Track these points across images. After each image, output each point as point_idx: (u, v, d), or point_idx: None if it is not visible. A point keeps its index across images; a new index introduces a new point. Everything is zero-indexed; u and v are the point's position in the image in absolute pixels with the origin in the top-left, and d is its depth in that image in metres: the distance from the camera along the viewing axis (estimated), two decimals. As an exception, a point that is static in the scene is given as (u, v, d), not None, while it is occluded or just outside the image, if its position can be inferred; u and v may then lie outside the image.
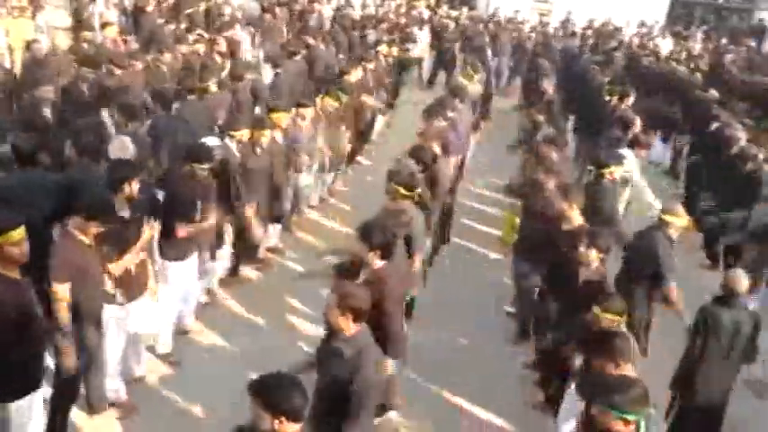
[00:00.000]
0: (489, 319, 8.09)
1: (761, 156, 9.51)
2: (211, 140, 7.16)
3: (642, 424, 4.00)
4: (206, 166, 6.43)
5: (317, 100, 9.68)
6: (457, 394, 6.77)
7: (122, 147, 6.57)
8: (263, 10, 17.77)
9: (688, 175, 11.84)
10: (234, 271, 8.10)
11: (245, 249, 8.11)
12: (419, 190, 6.71)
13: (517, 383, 6.97)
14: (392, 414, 5.98)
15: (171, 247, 6.43)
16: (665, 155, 13.90)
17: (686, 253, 8.87)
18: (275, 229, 8.79)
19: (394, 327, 5.26)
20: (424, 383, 6.78)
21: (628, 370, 4.55)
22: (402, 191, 6.42)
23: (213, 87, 9.75)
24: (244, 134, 7.52)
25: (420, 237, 6.53)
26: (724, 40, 24.24)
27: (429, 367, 6.90)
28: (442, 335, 7.63)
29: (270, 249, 8.83)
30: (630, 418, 3.93)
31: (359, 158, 12.31)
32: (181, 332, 6.98)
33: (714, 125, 10.94)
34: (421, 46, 18.40)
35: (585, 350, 4.81)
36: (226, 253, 7.72)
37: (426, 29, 19.79)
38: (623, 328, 5.19)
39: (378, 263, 5.23)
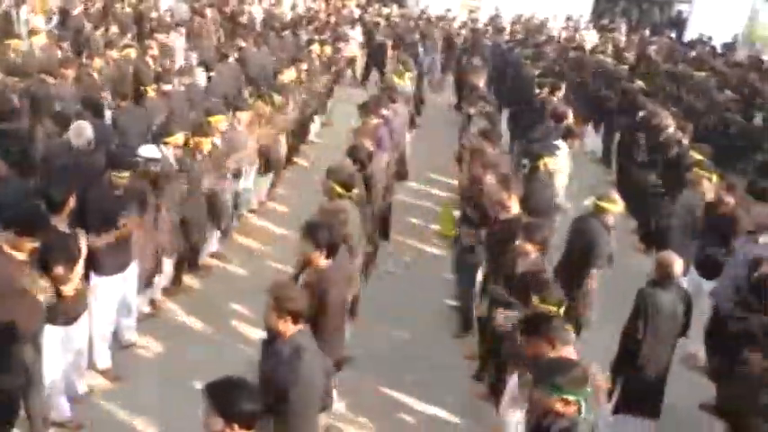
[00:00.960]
0: (432, 313, 8.14)
1: (685, 141, 9.82)
2: (147, 149, 6.99)
3: (583, 404, 4.06)
4: (126, 174, 6.20)
5: (252, 102, 9.58)
6: (401, 390, 6.79)
7: (79, 132, 6.33)
8: (194, 12, 17.52)
9: (619, 162, 12.14)
10: (176, 280, 7.94)
11: (187, 257, 7.97)
12: (356, 190, 6.71)
13: (461, 376, 7.02)
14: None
15: (102, 259, 6.15)
16: (598, 144, 14.19)
17: (620, 237, 9.09)
18: (216, 235, 8.67)
19: (334, 326, 5.26)
20: (367, 382, 6.77)
21: (567, 353, 4.63)
22: (339, 189, 6.41)
23: (151, 93, 9.56)
24: (178, 139, 7.36)
25: (357, 235, 6.53)
26: (647, 32, 24.89)
27: (372, 365, 6.91)
28: (385, 332, 7.67)
29: (212, 256, 8.71)
30: (571, 398, 4.00)
31: (296, 160, 12.21)
32: (124, 346, 6.82)
33: (641, 113, 11.22)
34: (353, 45, 18.38)
35: (523, 334, 4.87)
36: (167, 262, 7.57)
37: (357, 27, 19.79)
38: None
39: (323, 262, 5.21)
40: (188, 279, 8.16)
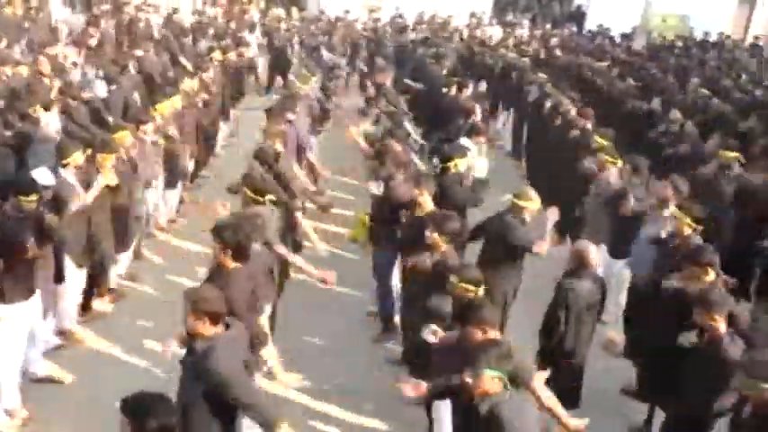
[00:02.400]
0: (351, 318, 8.16)
1: (588, 125, 10.15)
2: (38, 173, 6.74)
3: (505, 379, 4.21)
4: (33, 198, 5.99)
5: (155, 114, 9.37)
6: (321, 399, 6.79)
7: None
8: (89, 23, 17.01)
9: (528, 156, 12.47)
10: (86, 306, 7.67)
11: (95, 281, 7.72)
12: (270, 196, 6.67)
13: (384, 380, 7.02)
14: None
15: (5, 285, 5.87)
16: (506, 138, 14.50)
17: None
18: (125, 255, 8.44)
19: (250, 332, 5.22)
20: (287, 392, 6.74)
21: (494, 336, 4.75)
22: (251, 195, 6.38)
23: (42, 111, 9.19)
24: (77, 159, 7.03)
25: (275, 240, 6.49)
26: (548, 26, 25.56)
27: (295, 374, 6.83)
28: (304, 340, 7.65)
29: (122, 277, 8.47)
30: (496, 374, 4.16)
31: (204, 173, 12.00)
32: (33, 380, 6.52)
33: (547, 104, 11.55)
34: (253, 50, 18.20)
35: (455, 320, 4.96)
36: (77, 290, 7.32)
37: (257, 32, 19.61)
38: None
39: (230, 264, 5.19)
40: (98, 304, 7.90)
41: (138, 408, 3.45)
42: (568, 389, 6.22)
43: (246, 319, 5.28)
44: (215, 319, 4.36)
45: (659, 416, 6.37)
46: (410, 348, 6.66)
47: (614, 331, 7.91)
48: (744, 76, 17.64)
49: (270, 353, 5.70)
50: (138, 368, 6.97)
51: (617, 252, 8.22)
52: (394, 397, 6.72)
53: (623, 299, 7.96)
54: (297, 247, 7.88)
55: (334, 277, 6.50)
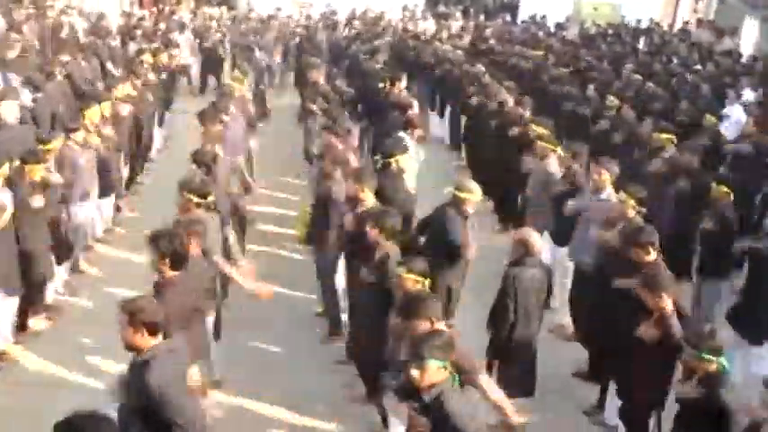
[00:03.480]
0: (297, 320, 8.12)
1: (527, 114, 10.29)
2: None
3: (448, 369, 4.24)
4: None
5: (84, 121, 9.13)
6: (272, 402, 6.74)
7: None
8: (10, 28, 16.50)
9: (467, 146, 12.59)
10: (22, 325, 7.43)
11: (31, 298, 7.47)
12: (212, 197, 6.61)
13: (333, 382, 7.03)
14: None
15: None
16: (445, 130, 14.59)
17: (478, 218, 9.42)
18: (62, 269, 8.23)
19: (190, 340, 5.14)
20: (236, 398, 6.70)
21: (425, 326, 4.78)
22: (195, 199, 6.31)
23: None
24: (3, 171, 6.79)
25: (215, 249, 6.41)
26: (481, 17, 25.80)
27: (239, 379, 6.83)
28: (250, 344, 7.60)
29: (59, 292, 8.26)
30: (440, 365, 4.20)
31: (139, 179, 11.79)
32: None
33: (482, 94, 11.68)
34: (184, 51, 17.92)
35: (403, 317, 4.97)
36: (10, 308, 7.11)
37: (188, 32, 19.32)
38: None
39: (168, 273, 5.14)
40: (34, 322, 7.62)
41: (71, 431, 3.33)
42: (522, 377, 6.31)
43: (189, 328, 5.23)
44: (153, 330, 4.29)
45: (611, 396, 6.52)
46: (357, 347, 6.66)
47: (563, 316, 8.04)
48: (675, 61, 18.09)
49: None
50: (80, 386, 6.79)
51: (560, 238, 8.36)
52: (346, 397, 6.78)
53: (569, 284, 8.07)
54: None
55: (270, 292, 6.43)
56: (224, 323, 6.90)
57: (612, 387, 6.50)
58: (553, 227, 8.43)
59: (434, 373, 4.20)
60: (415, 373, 4.23)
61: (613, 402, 6.50)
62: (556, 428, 6.65)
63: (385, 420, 6.03)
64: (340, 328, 7.66)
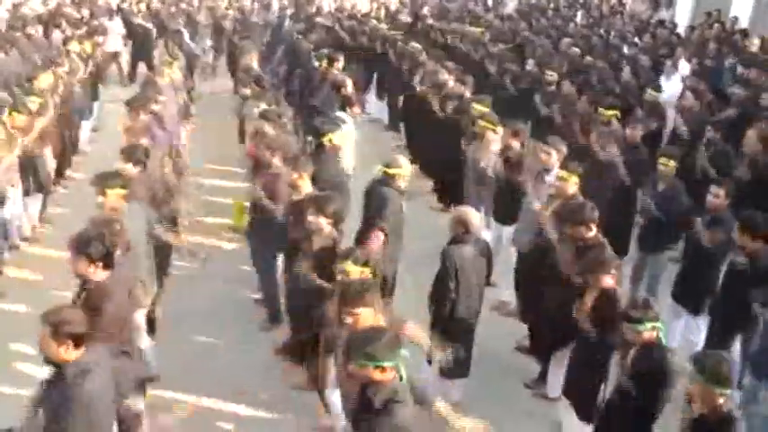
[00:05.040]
0: (236, 309, 8.08)
1: (467, 93, 10.34)
2: None
3: (401, 367, 4.22)
4: None
5: (4, 118, 8.88)
6: (213, 396, 6.71)
7: None
8: None
9: (406, 127, 12.62)
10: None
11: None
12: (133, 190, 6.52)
13: (274, 370, 7.04)
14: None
15: None
16: (384, 111, 14.60)
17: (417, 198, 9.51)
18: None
19: (120, 339, 5.14)
20: (177, 394, 6.65)
21: (379, 320, 4.81)
22: (113, 195, 6.22)
23: None
24: None
25: (142, 243, 6.33)
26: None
27: (178, 374, 6.76)
28: (188, 337, 7.56)
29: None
30: (387, 364, 4.14)
31: (69, 173, 11.53)
32: None
33: (421, 73, 11.71)
34: (114, 38, 17.56)
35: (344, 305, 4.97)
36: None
37: (117, 19, 18.91)
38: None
39: (100, 275, 5.06)
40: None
41: None
42: (460, 356, 6.38)
43: (121, 331, 5.17)
44: (79, 342, 4.16)
45: (553, 369, 6.71)
46: (297, 336, 6.66)
47: (505, 293, 8.16)
48: (612, 34, 18.36)
49: None
50: (6, 397, 6.57)
51: (504, 217, 8.45)
52: (287, 386, 6.78)
53: (512, 261, 8.16)
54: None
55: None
56: (163, 315, 6.82)
57: (556, 361, 6.64)
58: (496, 205, 8.53)
59: (382, 372, 4.16)
60: (361, 372, 4.20)
61: (555, 375, 6.66)
62: (498, 402, 6.79)
63: (327, 406, 6.06)
64: (279, 316, 7.65)
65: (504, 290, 8.21)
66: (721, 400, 4.40)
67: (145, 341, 6.27)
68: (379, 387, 4.16)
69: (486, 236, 8.57)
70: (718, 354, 4.68)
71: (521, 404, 6.89)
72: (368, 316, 4.84)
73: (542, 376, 7.02)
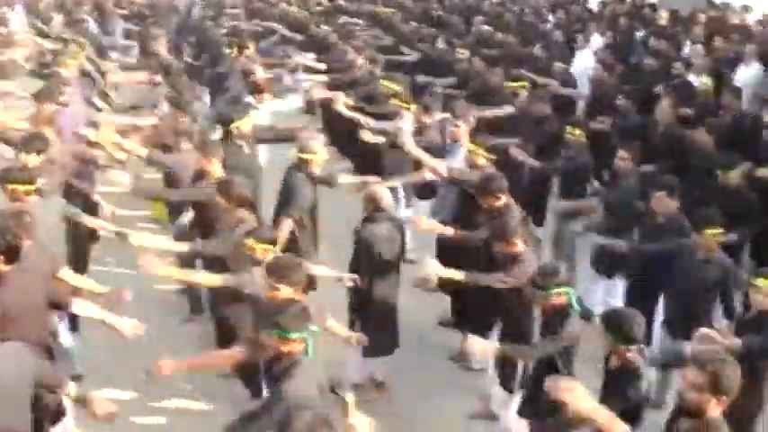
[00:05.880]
0: (158, 302, 7.99)
1: (377, 71, 10.43)
2: None
3: (309, 341, 4.28)
4: None
5: None
6: (142, 388, 6.61)
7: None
8: None
9: (322, 109, 12.62)
10: None
11: None
12: (42, 182, 6.36)
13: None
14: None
15: None
16: (300, 96, 14.56)
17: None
18: None
19: (35, 336, 5.02)
20: (106, 386, 6.51)
21: (288, 292, 4.85)
22: (21, 188, 6.06)
23: None
24: None
25: (57, 235, 6.23)
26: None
27: (99, 370, 6.74)
28: (114, 334, 7.37)
29: None
30: (294, 336, 4.20)
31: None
32: None
33: (333, 54, 11.75)
34: (17, 28, 17.00)
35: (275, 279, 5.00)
36: None
37: (20, 8, 18.32)
38: None
39: (4, 267, 4.94)
40: None
41: None
42: (384, 333, 6.47)
43: (31, 328, 5.08)
44: None
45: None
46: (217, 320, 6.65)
47: (426, 268, 8.25)
48: (526, 10, 18.62)
49: None
50: None
51: (421, 193, 8.57)
52: (212, 374, 6.76)
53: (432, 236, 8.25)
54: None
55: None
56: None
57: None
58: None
59: (290, 344, 4.23)
60: (270, 343, 4.27)
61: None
62: (425, 377, 6.95)
63: (255, 395, 6.10)
64: (200, 306, 7.61)
65: (426, 265, 8.29)
66: (630, 355, 4.58)
67: (67, 339, 6.18)
68: (284, 358, 4.23)
69: (408, 212, 8.73)
70: (623, 312, 4.87)
71: (448, 378, 7.03)
72: (287, 293, 4.88)
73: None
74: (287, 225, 6.90)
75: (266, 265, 5.15)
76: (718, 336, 5.14)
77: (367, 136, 8.46)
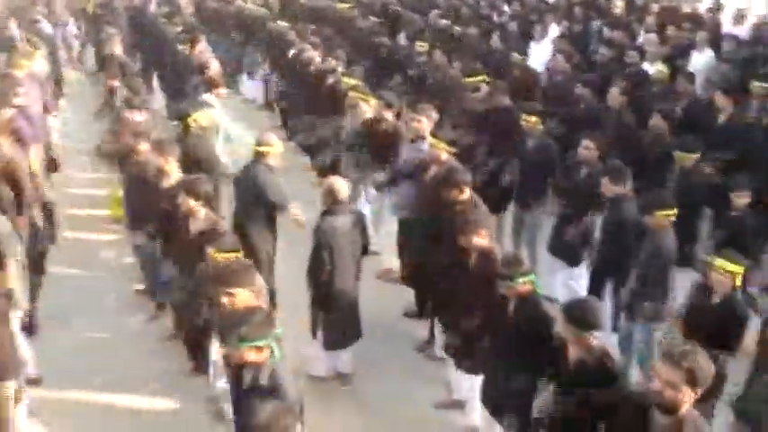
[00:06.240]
0: (118, 302, 7.95)
1: (339, 69, 10.40)
2: None
3: (274, 346, 4.25)
4: None
5: None
6: (109, 388, 6.61)
7: None
8: None
9: (281, 105, 12.61)
10: None
11: None
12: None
13: (159, 360, 7.00)
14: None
15: None
16: (257, 91, 14.51)
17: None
18: None
19: None
20: (54, 394, 6.48)
21: (252, 300, 4.83)
22: None
23: None
24: None
25: (8, 243, 6.09)
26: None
27: (58, 372, 6.61)
28: (70, 333, 7.39)
29: None
30: (261, 344, 4.18)
31: None
32: None
33: (291, 51, 11.69)
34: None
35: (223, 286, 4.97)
36: None
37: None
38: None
39: None
40: None
41: None
42: (347, 325, 6.49)
43: None
44: None
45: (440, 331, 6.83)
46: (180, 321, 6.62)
47: (389, 260, 8.30)
48: (482, 3, 18.68)
49: None
50: None
51: (383, 185, 8.58)
52: (175, 373, 6.74)
53: (394, 228, 8.28)
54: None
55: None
56: (47, 314, 6.80)
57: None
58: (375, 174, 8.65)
59: (257, 352, 4.20)
60: (236, 354, 4.23)
61: (443, 336, 6.84)
62: (392, 368, 6.97)
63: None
64: (164, 307, 7.55)
65: (388, 257, 8.35)
66: (593, 342, 4.64)
67: (22, 345, 6.11)
68: (254, 368, 4.21)
69: (368, 206, 8.76)
70: (583, 300, 4.93)
71: (414, 368, 7.06)
72: (245, 297, 4.87)
73: (431, 339, 7.21)
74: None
75: (215, 274, 5.11)
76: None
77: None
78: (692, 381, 3.70)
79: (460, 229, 5.95)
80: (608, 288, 7.08)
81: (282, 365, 4.28)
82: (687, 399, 3.75)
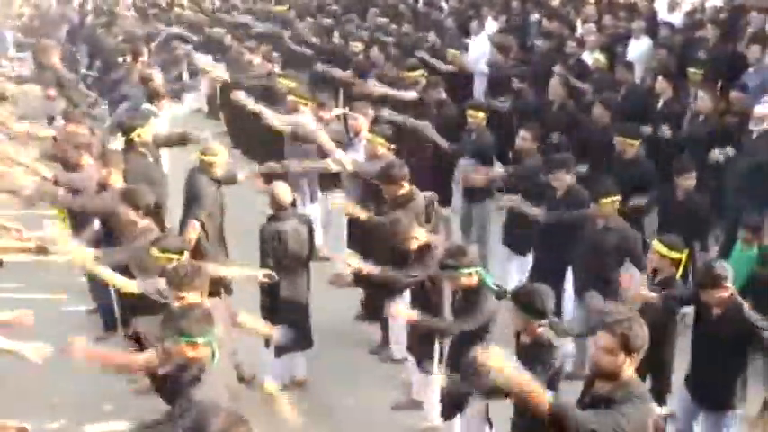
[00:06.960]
0: (69, 319, 7.79)
1: (276, 70, 10.38)
2: None
3: (213, 344, 4.21)
4: None
5: None
6: (61, 412, 6.53)
7: None
8: None
9: (224, 112, 12.53)
10: None
11: None
12: None
13: (113, 380, 6.76)
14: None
15: None
16: (201, 99, 14.38)
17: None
18: None
19: None
20: (18, 414, 6.31)
21: (194, 298, 4.78)
22: None
23: None
24: None
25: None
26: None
27: (16, 391, 6.52)
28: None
29: None
30: (199, 340, 4.14)
31: None
32: None
33: (232, 52, 11.68)
34: None
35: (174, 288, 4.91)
36: None
37: None
38: None
39: None
40: None
41: None
42: (297, 331, 6.45)
43: None
44: None
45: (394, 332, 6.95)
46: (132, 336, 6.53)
47: (340, 265, 8.27)
48: (420, 1, 18.74)
49: None
50: None
51: (328, 186, 8.58)
52: (133, 394, 6.66)
53: (343, 232, 8.26)
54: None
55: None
56: None
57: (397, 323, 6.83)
58: (320, 176, 8.66)
59: (194, 349, 4.16)
60: (175, 350, 4.19)
61: (397, 337, 6.86)
62: (349, 372, 6.97)
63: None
64: (114, 323, 7.44)
65: (338, 261, 8.31)
66: (540, 330, 4.70)
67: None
68: (191, 364, 4.15)
69: (316, 208, 8.74)
70: (531, 288, 4.96)
71: (370, 370, 7.07)
72: (195, 300, 4.82)
73: (385, 341, 7.23)
74: (192, 227, 6.83)
75: (166, 275, 5.05)
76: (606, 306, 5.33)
77: (275, 122, 8.38)
78: (627, 346, 3.78)
79: (393, 232, 5.99)
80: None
81: (218, 369, 4.21)
82: (626, 365, 3.82)
